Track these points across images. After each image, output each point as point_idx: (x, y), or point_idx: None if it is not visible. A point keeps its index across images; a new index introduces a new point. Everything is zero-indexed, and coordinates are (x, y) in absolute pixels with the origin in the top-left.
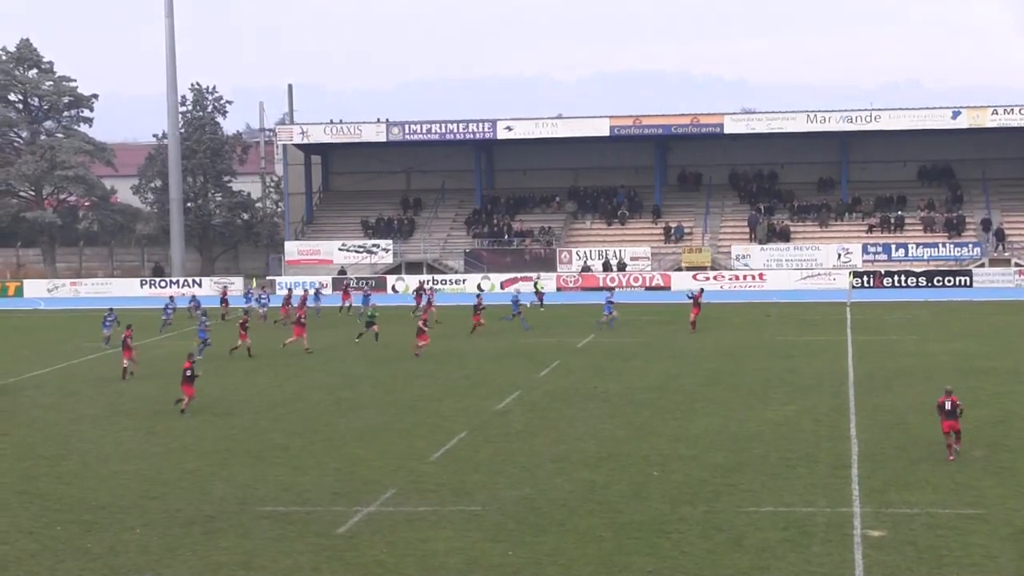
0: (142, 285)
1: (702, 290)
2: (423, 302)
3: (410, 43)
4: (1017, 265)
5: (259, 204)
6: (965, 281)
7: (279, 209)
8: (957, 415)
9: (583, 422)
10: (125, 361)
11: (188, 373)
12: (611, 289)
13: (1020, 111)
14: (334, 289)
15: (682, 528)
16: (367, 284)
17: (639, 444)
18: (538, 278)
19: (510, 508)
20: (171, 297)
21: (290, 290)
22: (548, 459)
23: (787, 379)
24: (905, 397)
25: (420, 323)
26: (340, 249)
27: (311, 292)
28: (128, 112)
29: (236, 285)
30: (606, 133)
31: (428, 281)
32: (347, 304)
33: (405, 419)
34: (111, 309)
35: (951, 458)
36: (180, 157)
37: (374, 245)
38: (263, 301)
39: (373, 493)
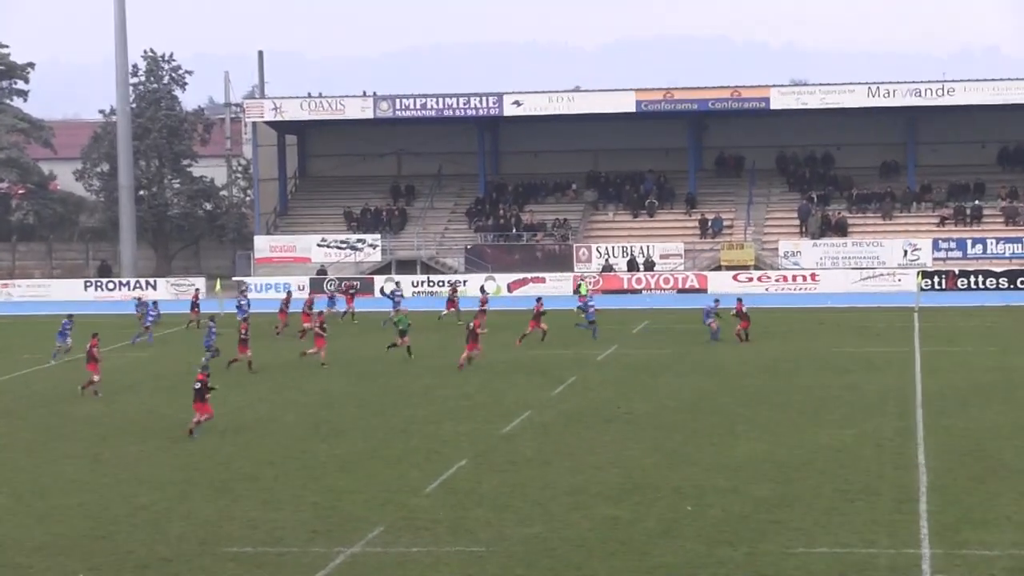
0: (87, 287)
1: (739, 300)
2: (457, 307)
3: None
4: None
5: (224, 192)
6: None
7: (248, 198)
8: None
9: (604, 448)
10: (95, 376)
11: (198, 387)
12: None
13: None
14: (312, 292)
15: (720, 573)
16: (398, 286)
17: (669, 474)
18: (582, 279)
19: (518, 549)
20: (155, 302)
21: (311, 296)
22: (563, 492)
23: (844, 398)
24: (982, 419)
25: (474, 327)
26: (319, 245)
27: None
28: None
29: (199, 286)
30: (632, 109)
31: (458, 282)
32: (349, 310)
33: (395, 445)
34: (70, 316)
35: None
36: (131, 137)
37: (359, 240)
38: (243, 308)
39: (358, 531)
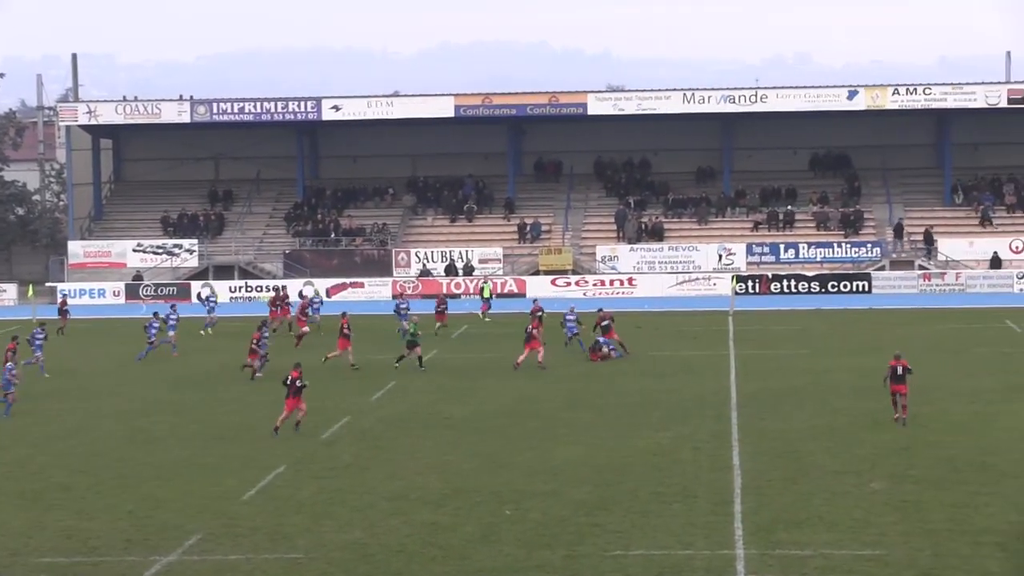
0: None
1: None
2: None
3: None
4: (921, 268)
5: (37, 197)
6: (863, 286)
7: (61, 203)
8: (906, 380)
9: (423, 453)
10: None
11: (298, 384)
12: (402, 295)
13: (925, 91)
14: (128, 298)
15: None
16: (404, 297)
17: (489, 478)
18: (485, 281)
19: (337, 555)
20: (155, 313)
21: (307, 298)
22: (382, 497)
23: (661, 401)
24: (796, 420)
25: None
26: (135, 250)
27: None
28: None
29: (8, 293)
30: (451, 114)
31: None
32: (282, 320)
33: (212, 452)
34: (42, 324)
35: (897, 416)
36: None
37: (176, 246)
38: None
39: (174, 539)
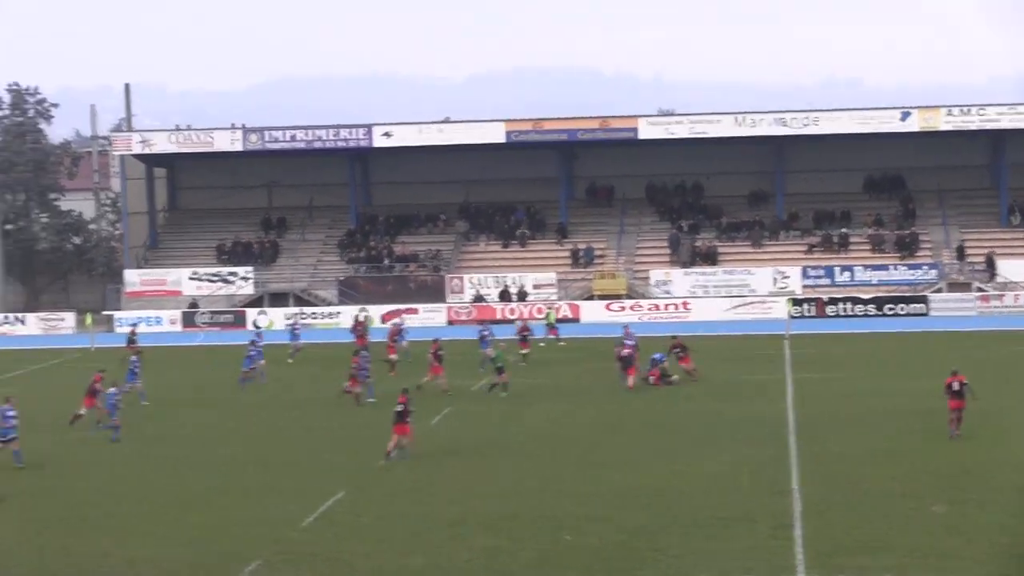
0: None
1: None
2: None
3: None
4: (979, 290)
5: (93, 226)
6: (920, 309)
7: (117, 232)
8: (963, 395)
9: (483, 478)
10: (83, 409)
11: (400, 409)
12: (483, 322)
13: (979, 111)
14: (184, 326)
15: None
16: (485, 326)
17: (548, 503)
18: (550, 309)
19: None
20: (258, 333)
21: (395, 327)
22: (442, 522)
23: (720, 425)
24: (855, 444)
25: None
26: (191, 278)
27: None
28: None
29: (66, 322)
30: (502, 139)
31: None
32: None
33: (273, 478)
34: (138, 353)
35: (955, 433)
36: None
37: (231, 273)
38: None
39: (234, 566)
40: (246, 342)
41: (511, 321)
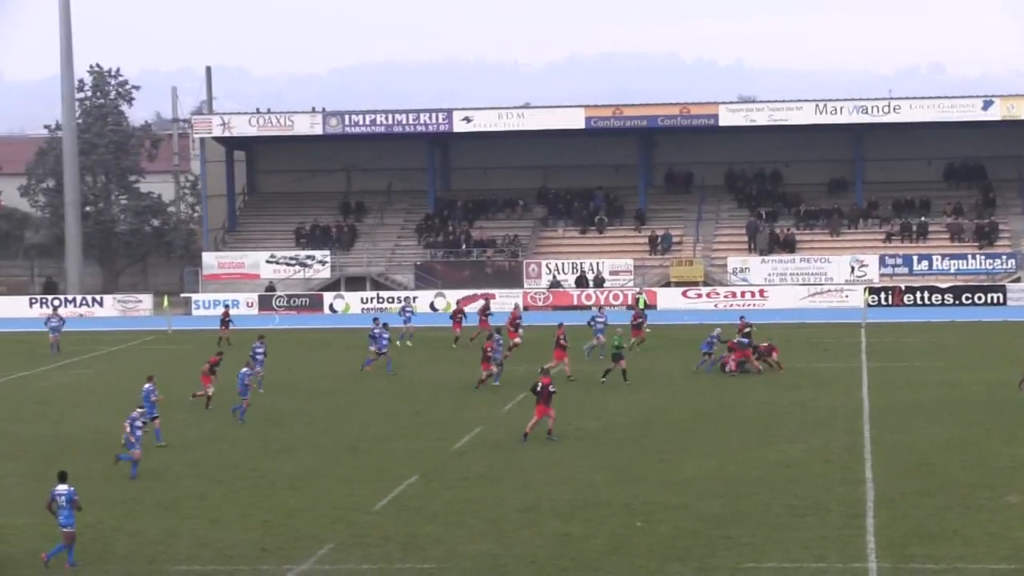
0: (32, 304)
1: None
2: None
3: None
4: None
5: (172, 208)
6: (998, 298)
7: (196, 214)
8: None
9: (554, 465)
10: (210, 389)
11: (550, 389)
12: (600, 307)
13: None
14: (261, 309)
15: None
16: (600, 311)
17: (620, 490)
18: (641, 294)
19: (470, 565)
20: (385, 325)
21: (517, 308)
22: (514, 508)
23: (793, 413)
24: (929, 434)
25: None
26: (268, 261)
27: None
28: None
29: (144, 304)
30: (581, 125)
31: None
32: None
33: (345, 463)
34: (261, 337)
35: None
36: (77, 152)
37: (308, 257)
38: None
39: (307, 549)
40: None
41: (587, 307)
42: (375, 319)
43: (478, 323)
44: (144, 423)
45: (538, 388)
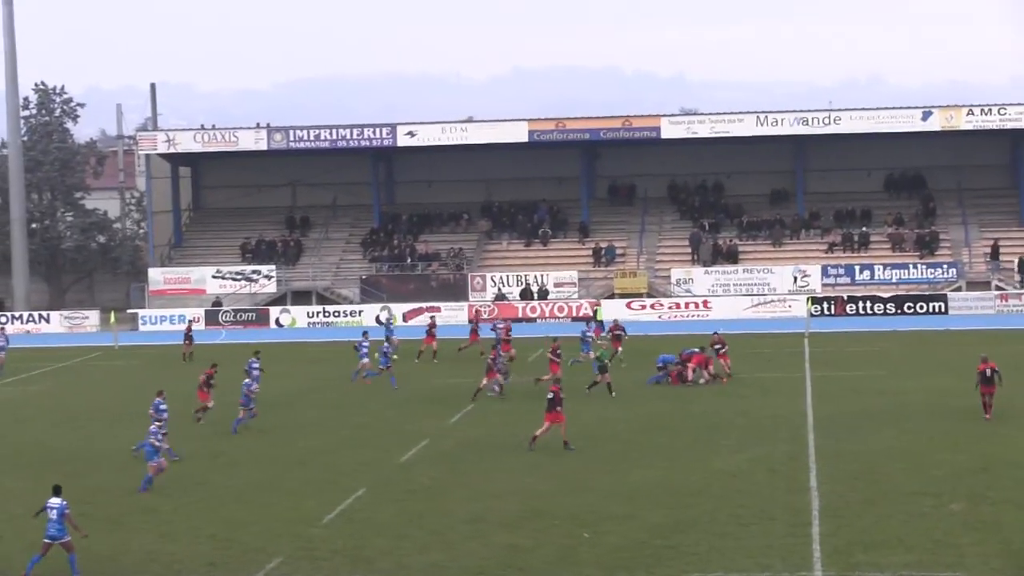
0: None
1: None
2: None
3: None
4: (998, 288)
5: (118, 225)
6: (940, 307)
7: (141, 230)
8: (995, 381)
9: (501, 476)
10: (210, 402)
11: (551, 397)
12: (587, 320)
13: (999, 111)
14: (207, 324)
15: None
16: (589, 325)
17: (567, 501)
18: (598, 306)
19: None
20: (389, 338)
21: (507, 325)
22: (461, 520)
23: (737, 423)
24: (873, 442)
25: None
26: (215, 276)
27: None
28: None
29: (91, 320)
30: (524, 139)
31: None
32: (471, 345)
33: (293, 476)
34: (257, 353)
35: (987, 417)
36: (23, 170)
37: (254, 272)
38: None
39: (256, 563)
40: (359, 339)
41: (532, 319)
42: (364, 332)
43: (424, 338)
44: (164, 434)
45: (549, 397)
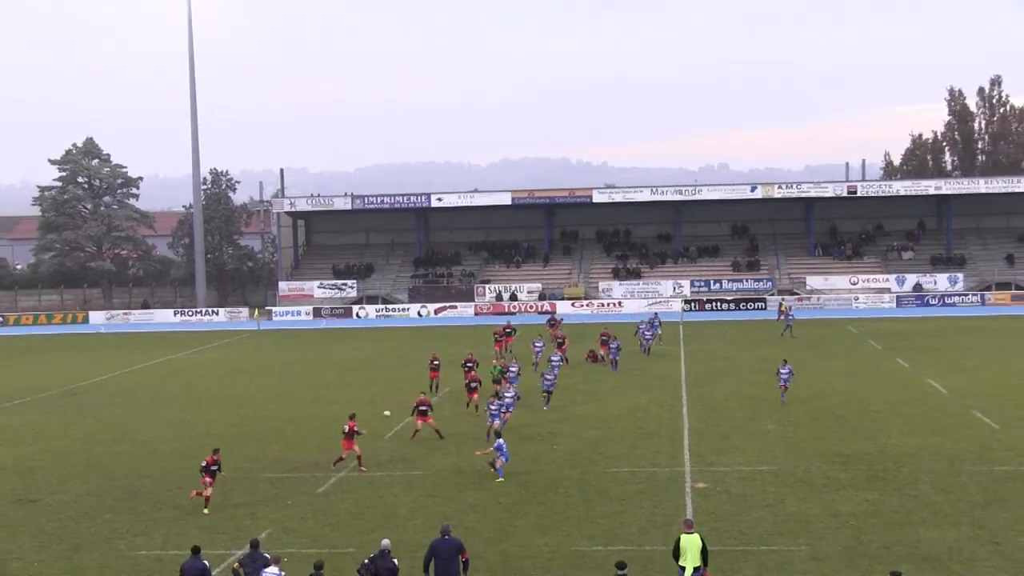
0: (176, 314)
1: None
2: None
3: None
4: (794, 293)
5: (260, 255)
6: (761, 305)
7: (274, 258)
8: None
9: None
10: (356, 449)
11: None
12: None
13: (797, 186)
14: (314, 316)
15: (566, 485)
16: (654, 320)
17: (531, 430)
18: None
19: (442, 472)
20: (655, 313)
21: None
22: (470, 436)
23: (638, 378)
24: (721, 389)
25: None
26: (319, 287)
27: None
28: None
29: (244, 313)
30: (508, 202)
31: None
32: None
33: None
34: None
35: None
36: (203, 222)
37: (343, 283)
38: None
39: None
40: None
41: (513, 313)
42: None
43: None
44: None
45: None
